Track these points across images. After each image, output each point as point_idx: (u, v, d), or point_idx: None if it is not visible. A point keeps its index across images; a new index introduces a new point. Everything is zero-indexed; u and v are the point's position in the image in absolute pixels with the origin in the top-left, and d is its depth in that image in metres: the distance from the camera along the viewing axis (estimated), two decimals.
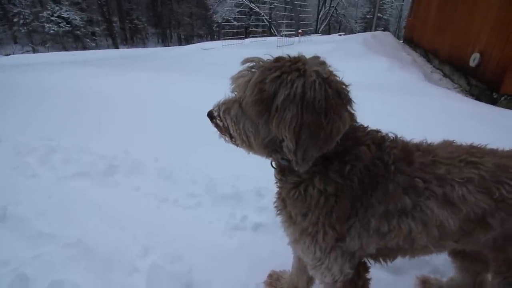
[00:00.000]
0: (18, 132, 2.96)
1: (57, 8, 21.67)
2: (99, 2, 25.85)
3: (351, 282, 0.96)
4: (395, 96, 2.92)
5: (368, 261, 1.02)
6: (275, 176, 0.93)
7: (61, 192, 2.20)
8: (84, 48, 21.65)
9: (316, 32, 22.05)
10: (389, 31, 24.15)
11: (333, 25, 29.31)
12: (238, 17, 19.77)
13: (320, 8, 23.62)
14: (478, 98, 5.21)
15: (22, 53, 13.59)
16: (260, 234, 1.79)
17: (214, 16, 21.71)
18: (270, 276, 1.46)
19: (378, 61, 4.79)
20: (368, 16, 29.68)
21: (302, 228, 0.86)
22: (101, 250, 1.61)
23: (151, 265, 1.47)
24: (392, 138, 0.89)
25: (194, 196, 2.10)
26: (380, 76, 3.94)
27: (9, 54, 11.02)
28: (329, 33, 21.38)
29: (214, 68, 5.91)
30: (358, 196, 0.80)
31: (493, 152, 0.86)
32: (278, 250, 1.62)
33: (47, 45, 21.10)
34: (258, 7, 18.96)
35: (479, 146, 0.90)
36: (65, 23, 21.33)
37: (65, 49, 19.64)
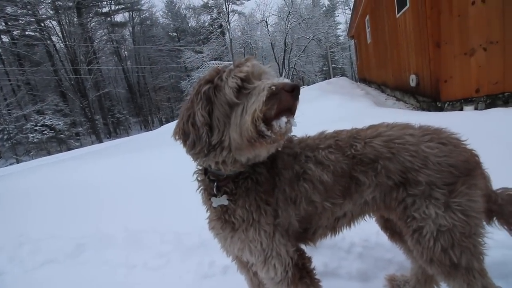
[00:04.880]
0: None
1: (40, 118, 23.04)
2: (81, 105, 27.83)
3: (299, 272, 1.04)
4: (342, 122, 3.24)
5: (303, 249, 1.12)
6: (224, 192, 1.02)
7: (29, 284, 2.11)
8: (69, 149, 22.26)
9: None
10: (346, 76, 27.00)
11: (297, 81, 32.43)
12: None
13: (281, 71, 26.56)
14: (428, 110, 5.71)
15: (6, 166, 13.79)
16: (228, 276, 1.76)
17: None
18: None
19: (330, 100, 5.31)
20: (324, 68, 33.38)
21: (246, 222, 0.98)
22: None
23: None
24: (295, 136, 1.15)
25: (163, 255, 2.07)
26: (331, 111, 4.36)
27: None
28: None
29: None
30: (275, 171, 1.03)
31: (352, 129, 1.08)
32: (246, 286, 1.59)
33: (31, 153, 21.66)
34: None
35: (346, 129, 1.11)
36: (48, 129, 22.40)
37: (49, 153, 20.12)
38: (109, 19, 33.51)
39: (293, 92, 0.82)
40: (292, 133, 1.14)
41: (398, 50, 7.22)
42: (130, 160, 4.22)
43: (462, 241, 0.92)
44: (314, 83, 24.27)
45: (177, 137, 0.96)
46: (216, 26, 28.60)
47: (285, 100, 0.82)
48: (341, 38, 37.63)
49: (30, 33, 27.60)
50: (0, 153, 23.39)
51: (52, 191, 3.78)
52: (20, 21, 26.53)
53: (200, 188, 1.08)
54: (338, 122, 3.88)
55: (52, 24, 28.24)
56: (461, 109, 4.83)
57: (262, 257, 1.00)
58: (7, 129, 22.60)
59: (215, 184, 0.99)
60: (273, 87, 0.82)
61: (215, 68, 0.94)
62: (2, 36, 27.15)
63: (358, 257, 1.63)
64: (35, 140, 21.82)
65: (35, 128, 22.06)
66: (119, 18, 35.04)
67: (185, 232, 2.22)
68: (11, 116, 23.63)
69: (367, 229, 1.68)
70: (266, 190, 0.99)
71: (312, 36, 25.55)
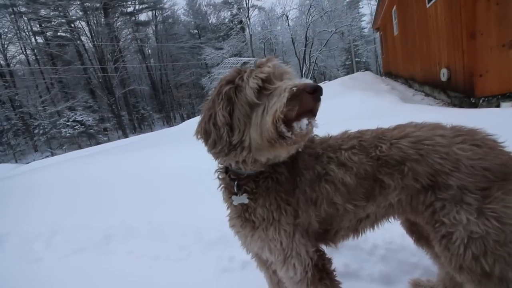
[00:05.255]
0: (26, 223, 3.16)
1: (72, 114, 24.52)
2: (108, 102, 29.21)
3: (318, 273, 1.03)
4: (364, 120, 3.13)
5: (323, 249, 1.11)
6: (245, 191, 1.02)
7: (61, 271, 2.27)
8: (98, 143, 23.47)
9: None
10: (370, 70, 25.98)
11: (318, 77, 31.79)
12: None
13: (301, 66, 26.10)
14: (460, 106, 5.36)
15: (42, 159, 14.83)
16: (247, 271, 1.78)
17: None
18: None
19: (352, 95, 5.15)
20: (347, 63, 32.35)
21: (267, 221, 0.99)
22: None
23: None
24: (317, 135, 1.14)
25: (184, 248, 2.14)
26: (352, 108, 4.23)
27: (29, 162, 12.06)
28: None
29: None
30: (296, 172, 1.02)
31: (377, 129, 1.03)
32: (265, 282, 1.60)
33: (64, 147, 23.17)
34: None
35: (371, 128, 1.06)
36: (79, 125, 23.82)
37: (80, 147, 21.37)
38: (133, 18, 34.66)
39: (315, 93, 0.81)
40: (314, 133, 1.13)
41: (428, 42, 6.81)
42: (154, 154, 4.35)
43: (496, 249, 0.86)
44: (336, 78, 23.69)
45: (199, 136, 0.98)
46: (236, 22, 28.64)
47: (306, 102, 0.81)
48: (365, 30, 36.19)
49: (62, 33, 29.30)
50: (37, 147, 25.24)
51: (81, 184, 4.00)
52: (53, 23, 28.21)
53: (221, 186, 1.10)
54: (359, 120, 3.77)
55: (81, 25, 29.79)
56: (498, 106, 4.49)
57: (282, 256, 0.99)
58: (43, 124, 24.29)
59: (236, 183, 1.00)
60: (294, 88, 0.81)
61: (236, 68, 0.94)
62: (37, 37, 29.02)
63: (381, 260, 1.58)
64: (67, 134, 23.30)
65: (67, 123, 23.52)
66: (143, 17, 36.19)
67: (206, 226, 2.26)
68: (46, 112, 25.35)
69: (391, 231, 1.62)
70: (287, 190, 0.99)
71: (334, 30, 24.80)
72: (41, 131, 24.08)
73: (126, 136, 26.28)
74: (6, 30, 26.45)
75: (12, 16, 26.12)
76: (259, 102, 0.86)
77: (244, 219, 1.02)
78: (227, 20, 31.42)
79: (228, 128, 0.89)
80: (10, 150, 23.92)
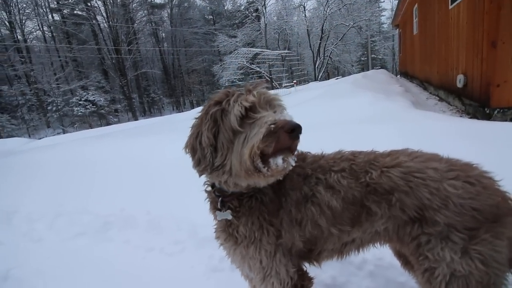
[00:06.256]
0: (32, 202, 3.28)
1: (84, 93, 24.92)
2: (120, 83, 29.50)
3: None
4: (369, 124, 3.07)
5: (305, 267, 1.12)
6: (229, 207, 1.04)
7: (61, 253, 2.36)
8: (108, 124, 23.84)
9: (315, 79, 23.45)
10: (386, 68, 25.26)
11: (331, 71, 31.16)
12: (242, 78, 21.39)
13: (315, 59, 25.57)
14: (474, 115, 5.19)
15: (53, 135, 15.21)
16: (236, 273, 1.80)
17: (220, 80, 23.57)
18: None
19: (362, 96, 5.04)
20: (362, 59, 31.50)
21: (248, 239, 1.00)
22: None
23: None
24: (309, 153, 1.13)
25: (178, 243, 2.19)
26: (359, 110, 4.14)
27: (42, 138, 12.41)
28: (328, 79, 22.61)
29: None
30: (282, 192, 1.02)
31: (371, 152, 1.01)
32: None
33: (76, 125, 23.69)
34: (258, 67, 20.60)
35: (365, 151, 1.04)
36: (91, 104, 24.23)
37: (91, 127, 21.78)
38: (149, 0, 34.38)
39: (292, 133, 0.82)
40: (307, 151, 1.11)
41: (447, 46, 6.56)
42: (160, 141, 4.38)
43: None
44: (350, 73, 23.18)
45: (187, 151, 0.99)
46: (252, 10, 28.10)
47: (283, 140, 0.82)
48: (384, 26, 34.95)
49: (78, 12, 29.39)
50: (49, 123, 25.89)
51: (88, 167, 4.08)
52: (70, 0, 28.28)
53: (207, 199, 1.11)
54: (366, 123, 3.68)
55: (98, 4, 29.78)
56: None
57: (261, 274, 1.02)
58: (56, 101, 24.79)
59: (220, 199, 1.02)
60: (272, 126, 0.82)
61: (225, 90, 0.94)
62: (54, 14, 29.25)
63: (369, 275, 1.58)
64: (79, 113, 23.77)
65: (80, 102, 23.95)
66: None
67: (201, 223, 2.29)
68: (60, 89, 25.81)
69: (382, 247, 1.61)
70: (271, 210, 1.00)
71: (352, 23, 24.04)
72: (54, 108, 24.61)
73: (135, 119, 26.59)
74: (24, 5, 26.75)
75: None
76: (241, 130, 0.87)
77: (228, 234, 1.04)
78: (242, 7, 30.85)
79: (212, 149, 0.91)
80: (24, 124, 24.59)
